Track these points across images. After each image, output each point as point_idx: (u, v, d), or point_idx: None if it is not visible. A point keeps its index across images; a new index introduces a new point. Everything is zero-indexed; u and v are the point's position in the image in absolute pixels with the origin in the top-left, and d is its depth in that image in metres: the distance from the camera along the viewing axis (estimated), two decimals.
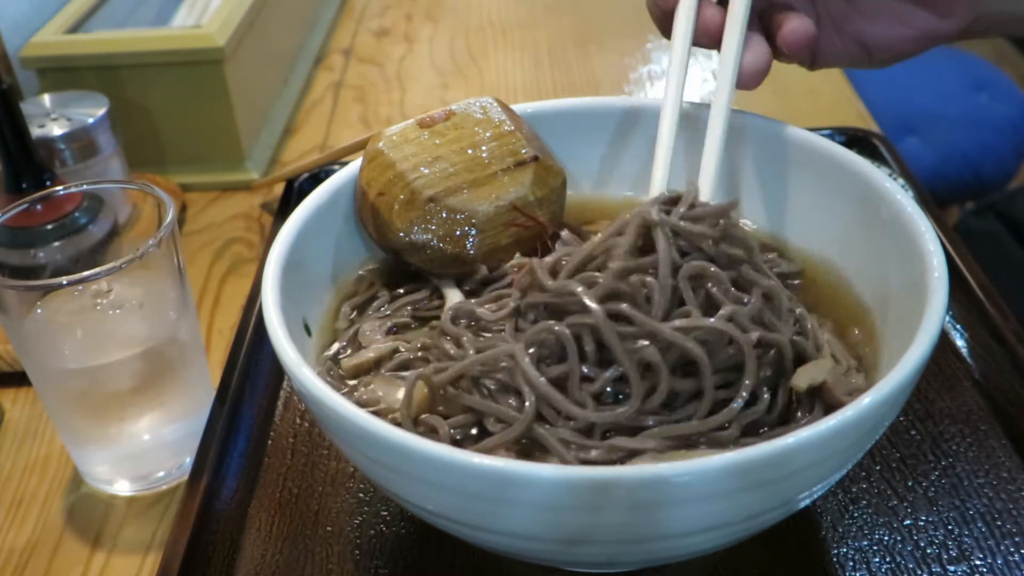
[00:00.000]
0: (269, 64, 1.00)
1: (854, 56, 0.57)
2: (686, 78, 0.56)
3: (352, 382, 0.51)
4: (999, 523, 0.50)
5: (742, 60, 0.54)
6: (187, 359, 0.57)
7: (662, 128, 0.55)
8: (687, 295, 0.44)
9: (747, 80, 0.54)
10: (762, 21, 0.55)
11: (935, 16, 0.54)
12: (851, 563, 0.49)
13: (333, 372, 0.52)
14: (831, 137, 0.67)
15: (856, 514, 0.51)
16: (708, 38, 0.55)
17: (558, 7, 1.23)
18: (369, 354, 0.52)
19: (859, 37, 0.56)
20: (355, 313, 0.56)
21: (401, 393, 0.48)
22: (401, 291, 0.57)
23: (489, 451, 0.44)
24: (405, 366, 0.51)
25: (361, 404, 0.48)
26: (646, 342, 0.43)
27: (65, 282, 0.51)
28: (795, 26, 0.53)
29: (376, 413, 0.47)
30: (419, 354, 0.52)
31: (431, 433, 0.46)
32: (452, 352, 0.49)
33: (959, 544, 0.49)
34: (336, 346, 0.54)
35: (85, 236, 0.59)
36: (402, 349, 0.52)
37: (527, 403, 0.44)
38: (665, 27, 0.57)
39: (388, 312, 0.56)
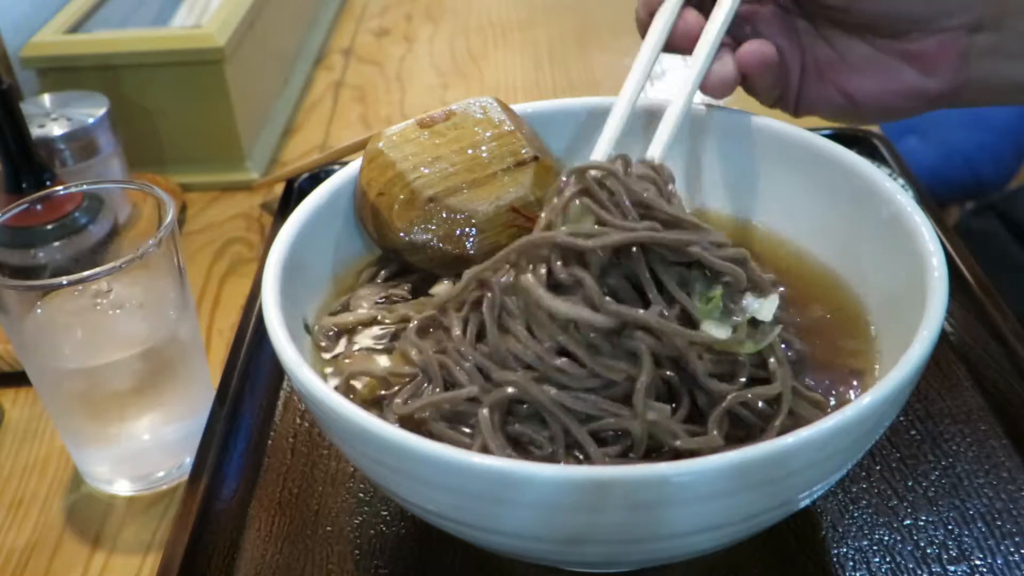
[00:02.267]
0: (269, 64, 1.00)
1: (839, 106, 0.57)
2: (646, 81, 0.57)
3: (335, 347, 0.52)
4: (999, 523, 0.50)
5: (710, 68, 0.55)
6: (187, 359, 0.57)
7: (610, 122, 0.56)
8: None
9: (712, 86, 0.55)
10: (737, 45, 0.56)
11: (918, 73, 0.54)
12: (851, 563, 0.49)
13: (322, 329, 0.53)
14: (831, 137, 0.67)
15: (856, 514, 0.51)
16: (687, 42, 0.56)
17: (558, 7, 1.23)
18: (349, 318, 0.53)
19: (843, 88, 0.56)
20: (373, 278, 0.57)
21: (376, 363, 0.50)
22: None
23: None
24: (383, 336, 0.52)
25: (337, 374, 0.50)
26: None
27: (65, 282, 0.51)
28: (753, 48, 0.54)
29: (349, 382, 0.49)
30: (399, 325, 0.53)
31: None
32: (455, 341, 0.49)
33: (959, 544, 0.49)
34: (334, 305, 0.54)
35: (85, 236, 0.59)
36: (382, 319, 0.53)
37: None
38: (645, 29, 0.57)
39: (394, 283, 0.56)
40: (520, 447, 0.44)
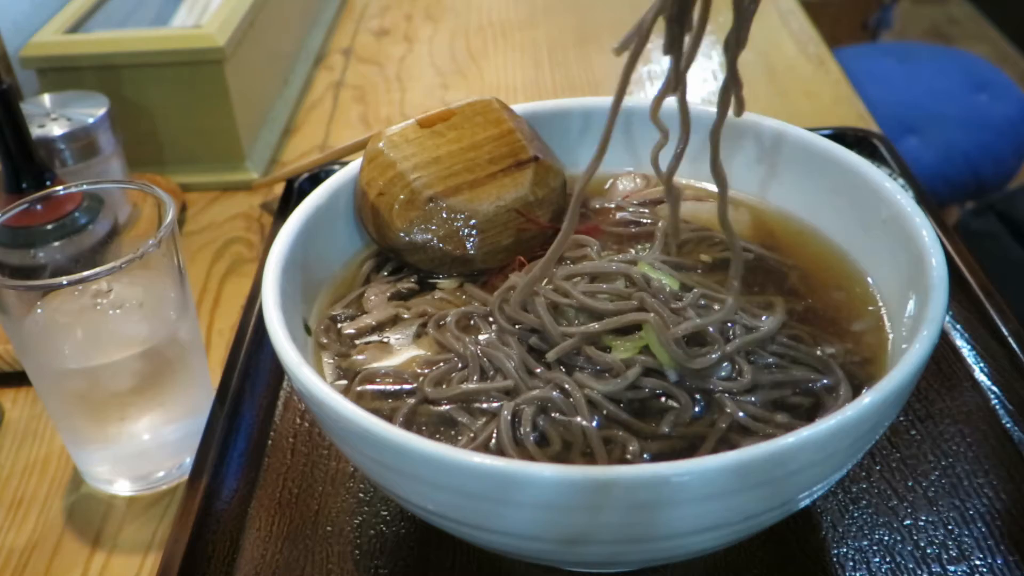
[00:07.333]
0: (269, 64, 1.00)
1: None
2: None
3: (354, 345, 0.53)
4: (999, 523, 0.50)
5: None
6: (187, 359, 0.57)
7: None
8: None
9: None
10: None
11: None
12: (851, 563, 0.49)
13: (331, 332, 0.53)
14: (831, 137, 0.67)
15: (856, 514, 0.51)
16: None
17: (558, 7, 1.23)
18: (368, 320, 0.53)
19: None
20: (372, 272, 0.57)
21: (392, 360, 0.50)
22: None
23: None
24: (406, 331, 0.53)
25: (353, 370, 0.50)
26: None
27: (65, 282, 0.51)
28: None
29: (366, 379, 0.50)
30: (419, 320, 0.53)
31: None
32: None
33: (959, 544, 0.49)
34: (339, 306, 0.54)
35: (85, 236, 0.59)
36: (404, 316, 0.54)
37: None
38: None
39: (398, 277, 0.57)
40: (536, 444, 0.45)
